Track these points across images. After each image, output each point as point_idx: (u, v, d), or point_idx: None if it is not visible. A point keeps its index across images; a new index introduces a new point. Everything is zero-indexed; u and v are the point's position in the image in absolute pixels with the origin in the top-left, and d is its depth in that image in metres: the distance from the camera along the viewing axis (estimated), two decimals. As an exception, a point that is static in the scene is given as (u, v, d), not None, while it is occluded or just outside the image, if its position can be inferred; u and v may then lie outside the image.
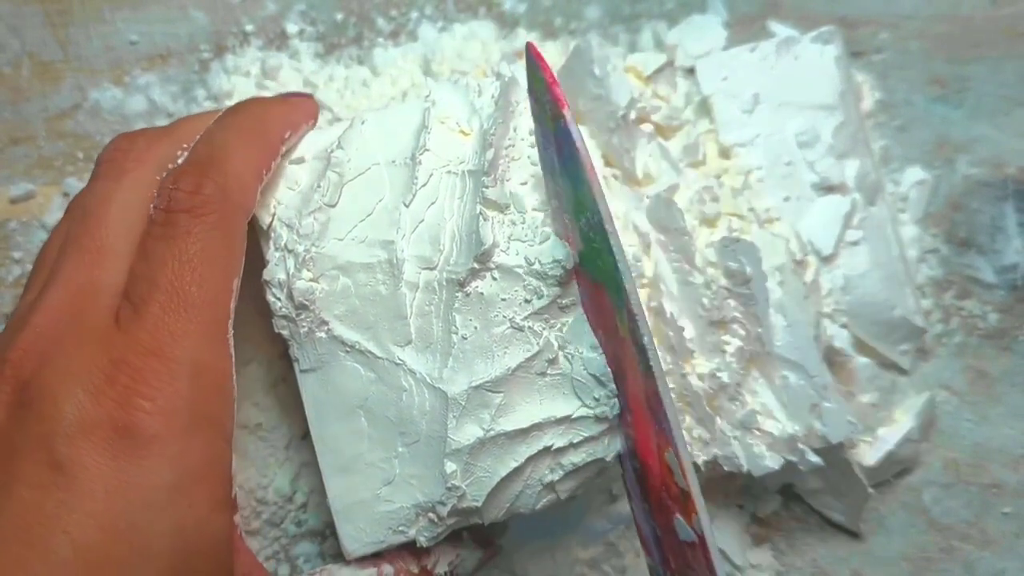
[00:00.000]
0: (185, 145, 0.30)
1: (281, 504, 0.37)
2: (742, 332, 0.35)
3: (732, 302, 0.35)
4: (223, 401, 0.28)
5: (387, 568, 0.31)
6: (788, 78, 0.39)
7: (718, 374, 0.34)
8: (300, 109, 0.33)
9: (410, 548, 0.31)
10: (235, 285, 0.28)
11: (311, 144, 0.33)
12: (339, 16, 0.43)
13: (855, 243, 0.38)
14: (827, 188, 0.38)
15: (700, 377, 0.35)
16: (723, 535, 0.39)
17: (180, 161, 0.30)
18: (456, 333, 0.30)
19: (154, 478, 0.25)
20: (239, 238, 0.29)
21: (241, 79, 0.42)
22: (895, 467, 0.39)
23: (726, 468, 0.35)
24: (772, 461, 0.35)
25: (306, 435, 0.37)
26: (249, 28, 0.43)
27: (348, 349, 0.31)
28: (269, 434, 0.37)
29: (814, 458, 0.35)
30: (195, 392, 0.26)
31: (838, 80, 0.39)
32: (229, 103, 0.41)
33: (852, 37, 0.42)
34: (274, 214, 0.32)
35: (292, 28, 0.43)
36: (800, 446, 0.35)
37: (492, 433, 0.30)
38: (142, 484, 0.25)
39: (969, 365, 0.40)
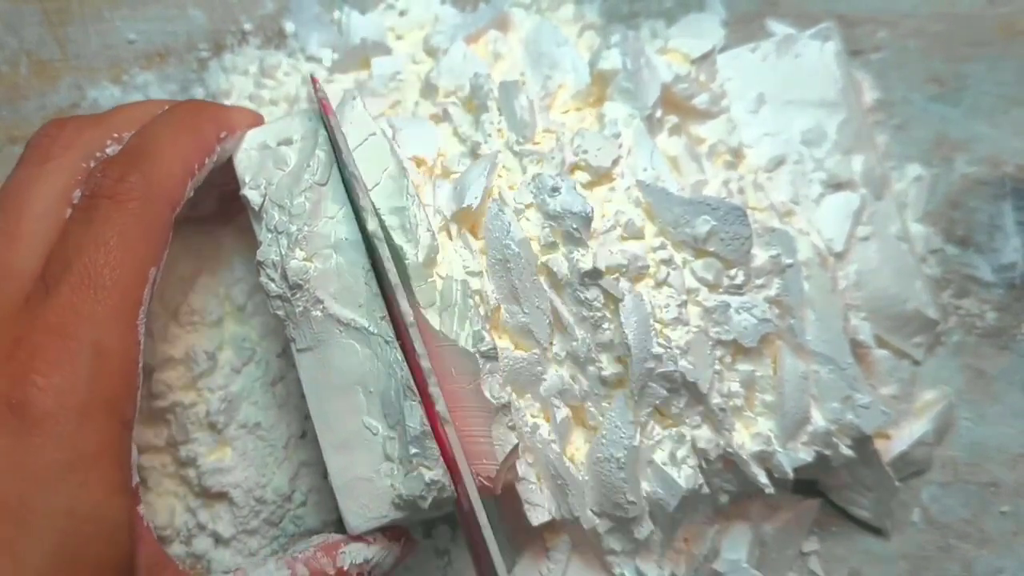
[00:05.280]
0: (115, 134, 0.31)
1: (280, 503, 0.37)
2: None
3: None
4: (125, 386, 0.27)
5: (301, 569, 0.30)
6: (790, 77, 0.39)
7: (757, 373, 0.34)
8: (237, 113, 0.33)
9: (325, 547, 0.31)
10: (151, 274, 0.28)
11: (299, 125, 0.33)
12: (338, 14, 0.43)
13: (865, 238, 0.38)
14: (835, 185, 0.38)
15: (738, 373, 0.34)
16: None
17: (109, 151, 0.30)
18: None
19: (45, 456, 0.25)
20: (161, 228, 0.29)
21: (239, 78, 0.42)
22: (924, 451, 0.39)
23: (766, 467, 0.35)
24: (805, 453, 0.35)
25: (305, 434, 0.37)
26: (247, 27, 0.43)
27: (343, 327, 0.31)
28: (268, 433, 0.37)
29: (848, 451, 0.35)
30: (95, 374, 0.26)
31: (839, 76, 0.39)
32: (227, 102, 0.41)
33: (850, 35, 0.42)
34: (265, 195, 0.32)
35: (290, 27, 0.43)
36: (834, 439, 0.34)
37: None
38: (32, 462, 0.25)
39: (967, 364, 0.40)
